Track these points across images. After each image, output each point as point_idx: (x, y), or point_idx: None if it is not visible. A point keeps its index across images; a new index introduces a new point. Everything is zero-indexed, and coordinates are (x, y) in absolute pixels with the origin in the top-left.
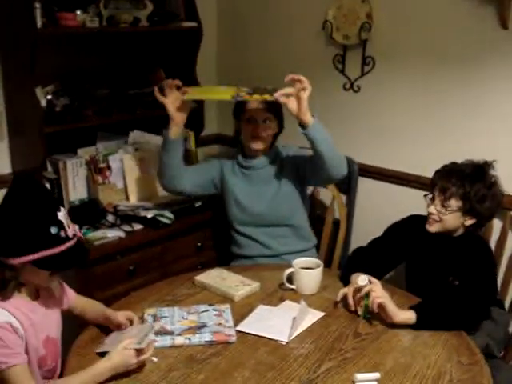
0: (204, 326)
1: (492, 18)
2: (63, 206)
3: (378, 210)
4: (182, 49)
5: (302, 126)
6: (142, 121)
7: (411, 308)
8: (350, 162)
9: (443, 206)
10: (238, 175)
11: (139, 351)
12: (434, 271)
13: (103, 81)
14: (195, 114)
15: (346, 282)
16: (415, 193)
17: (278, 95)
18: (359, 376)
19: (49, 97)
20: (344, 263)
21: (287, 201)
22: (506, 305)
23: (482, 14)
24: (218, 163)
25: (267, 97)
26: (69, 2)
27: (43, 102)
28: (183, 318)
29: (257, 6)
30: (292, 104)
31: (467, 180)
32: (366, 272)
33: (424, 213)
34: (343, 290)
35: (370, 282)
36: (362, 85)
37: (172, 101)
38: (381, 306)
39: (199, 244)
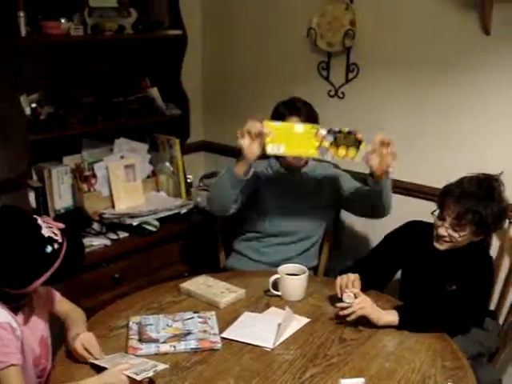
0: (189, 333)
1: (474, 25)
2: (38, 215)
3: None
4: (166, 56)
5: (373, 176)
6: (126, 128)
7: (395, 308)
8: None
9: (455, 230)
10: (273, 186)
11: (132, 381)
12: (431, 278)
13: (88, 89)
14: (180, 121)
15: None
16: (400, 199)
17: (365, 160)
18: (344, 382)
19: (33, 105)
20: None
21: (311, 220)
22: (504, 313)
23: (464, 21)
24: (254, 174)
25: (353, 155)
26: (53, 10)
27: (28, 110)
28: (168, 325)
29: (242, 13)
30: (374, 161)
31: (482, 205)
32: (366, 282)
33: (418, 218)
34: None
35: (356, 296)
36: (347, 92)
37: (251, 143)
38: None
39: (185, 251)
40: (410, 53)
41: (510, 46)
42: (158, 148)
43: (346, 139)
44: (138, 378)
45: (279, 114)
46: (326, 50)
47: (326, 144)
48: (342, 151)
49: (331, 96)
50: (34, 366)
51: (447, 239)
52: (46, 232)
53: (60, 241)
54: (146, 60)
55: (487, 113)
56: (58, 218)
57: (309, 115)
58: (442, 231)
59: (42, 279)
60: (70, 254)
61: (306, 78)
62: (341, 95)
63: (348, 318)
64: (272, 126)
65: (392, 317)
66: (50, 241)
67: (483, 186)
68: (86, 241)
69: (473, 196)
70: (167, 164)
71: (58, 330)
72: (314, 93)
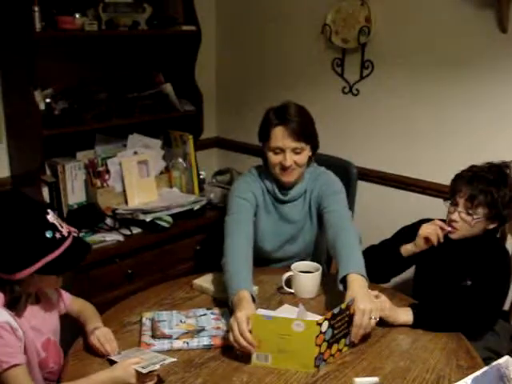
0: (202, 329)
1: (491, 22)
2: (53, 210)
3: (377, 213)
4: (181, 52)
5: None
6: (140, 124)
7: (410, 306)
8: (348, 165)
9: (468, 213)
10: (268, 206)
11: (141, 375)
12: (446, 274)
13: (102, 84)
14: (194, 117)
15: None
16: (415, 196)
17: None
18: (358, 380)
19: (47, 100)
20: None
21: (301, 239)
22: None
23: (481, 18)
24: (253, 200)
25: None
26: (68, 5)
27: (42, 106)
28: (181, 321)
29: (256, 9)
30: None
31: (493, 186)
32: (374, 273)
33: (426, 216)
34: None
35: (376, 297)
36: (361, 88)
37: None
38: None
39: (198, 247)
40: (426, 50)
41: None
42: (171, 144)
43: (343, 327)
44: (144, 371)
45: (266, 122)
46: (341, 46)
47: (324, 347)
48: (334, 349)
49: (345, 93)
50: (41, 368)
51: (458, 225)
52: (51, 218)
53: (64, 234)
54: (160, 56)
55: (505, 110)
56: (71, 213)
57: (299, 126)
58: (454, 216)
59: (37, 266)
60: (72, 251)
61: (320, 74)
62: (355, 92)
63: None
64: (261, 323)
65: (407, 316)
66: (53, 227)
67: (494, 171)
68: (99, 236)
69: (484, 178)
70: (180, 160)
71: (69, 328)
72: (328, 89)
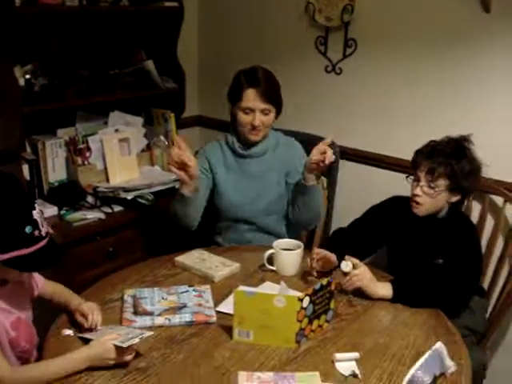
0: (184, 306)
1: (474, 2)
2: (33, 187)
3: (359, 192)
4: (163, 29)
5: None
6: (121, 102)
7: (390, 281)
8: (330, 144)
9: (430, 187)
10: (229, 165)
11: (120, 350)
12: (418, 252)
13: (83, 61)
14: (175, 95)
15: None
16: (396, 175)
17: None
18: (338, 356)
19: (27, 76)
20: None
21: (268, 196)
22: (495, 296)
23: None
24: (207, 165)
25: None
26: None
27: (22, 82)
28: (163, 298)
29: None
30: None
31: (452, 158)
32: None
33: (405, 194)
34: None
35: (354, 265)
36: (344, 67)
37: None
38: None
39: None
40: (409, 29)
41: (510, 24)
42: (152, 122)
43: (323, 303)
44: (124, 345)
45: (238, 84)
46: (324, 24)
47: (305, 323)
48: (315, 325)
49: (328, 72)
50: (12, 347)
51: (421, 200)
52: (36, 215)
53: (43, 233)
54: (142, 32)
55: (486, 89)
56: (52, 190)
57: (268, 89)
58: (417, 190)
59: (5, 256)
60: (43, 253)
61: (303, 53)
62: (338, 71)
63: (344, 287)
64: (243, 299)
65: (386, 291)
66: (34, 224)
67: (453, 144)
68: (80, 214)
69: (443, 152)
70: (162, 138)
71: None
72: (310, 68)
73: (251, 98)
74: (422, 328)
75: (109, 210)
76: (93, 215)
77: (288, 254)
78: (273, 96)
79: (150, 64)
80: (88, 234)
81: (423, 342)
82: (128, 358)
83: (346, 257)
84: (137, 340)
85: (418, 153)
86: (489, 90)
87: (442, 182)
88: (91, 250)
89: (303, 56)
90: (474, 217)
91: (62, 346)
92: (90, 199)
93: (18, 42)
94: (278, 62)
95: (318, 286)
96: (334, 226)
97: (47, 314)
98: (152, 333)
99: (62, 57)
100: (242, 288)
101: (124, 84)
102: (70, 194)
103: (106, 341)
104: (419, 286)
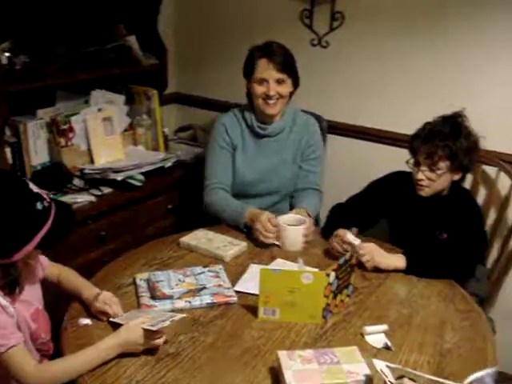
0: (203, 288)
1: None
2: (16, 172)
3: (348, 166)
4: (143, 3)
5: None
6: (100, 80)
7: (403, 253)
8: (318, 119)
9: (432, 170)
10: (246, 142)
11: (150, 333)
12: (420, 227)
13: (61, 37)
14: (156, 72)
15: (327, 237)
16: (385, 148)
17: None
18: (368, 329)
19: (7, 54)
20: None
21: (283, 173)
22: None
23: None
24: (228, 140)
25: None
26: None
27: (4, 60)
28: (180, 281)
29: None
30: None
31: (450, 139)
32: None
33: (401, 168)
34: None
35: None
36: (331, 40)
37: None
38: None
39: (170, 206)
40: (396, 1)
41: None
42: (133, 100)
43: (345, 278)
44: (154, 328)
45: (251, 57)
46: None
47: (330, 298)
48: (338, 300)
49: (314, 45)
50: (33, 340)
51: (425, 183)
52: (34, 188)
53: (48, 200)
54: (121, 7)
55: (478, 55)
56: (36, 174)
57: (282, 59)
58: (419, 175)
59: (33, 243)
60: (59, 217)
61: (288, 26)
62: (324, 44)
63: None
64: (270, 276)
65: (399, 262)
66: (40, 197)
67: (448, 123)
68: (70, 197)
69: (439, 133)
70: (145, 116)
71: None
72: (295, 42)
73: (264, 67)
74: (439, 298)
75: (98, 193)
76: (83, 198)
77: (294, 229)
78: (287, 66)
79: (132, 39)
80: (79, 219)
81: (444, 311)
82: (158, 341)
83: (353, 229)
84: (168, 323)
85: (414, 138)
86: (482, 55)
87: (443, 164)
88: (82, 234)
89: (288, 29)
90: (466, 187)
91: (83, 336)
92: (76, 182)
93: None
94: (260, 36)
95: (342, 261)
96: (324, 200)
97: (48, 297)
98: (184, 315)
99: (39, 33)
100: (265, 266)
101: (106, 61)
102: (54, 177)
103: (134, 325)
104: (431, 257)
